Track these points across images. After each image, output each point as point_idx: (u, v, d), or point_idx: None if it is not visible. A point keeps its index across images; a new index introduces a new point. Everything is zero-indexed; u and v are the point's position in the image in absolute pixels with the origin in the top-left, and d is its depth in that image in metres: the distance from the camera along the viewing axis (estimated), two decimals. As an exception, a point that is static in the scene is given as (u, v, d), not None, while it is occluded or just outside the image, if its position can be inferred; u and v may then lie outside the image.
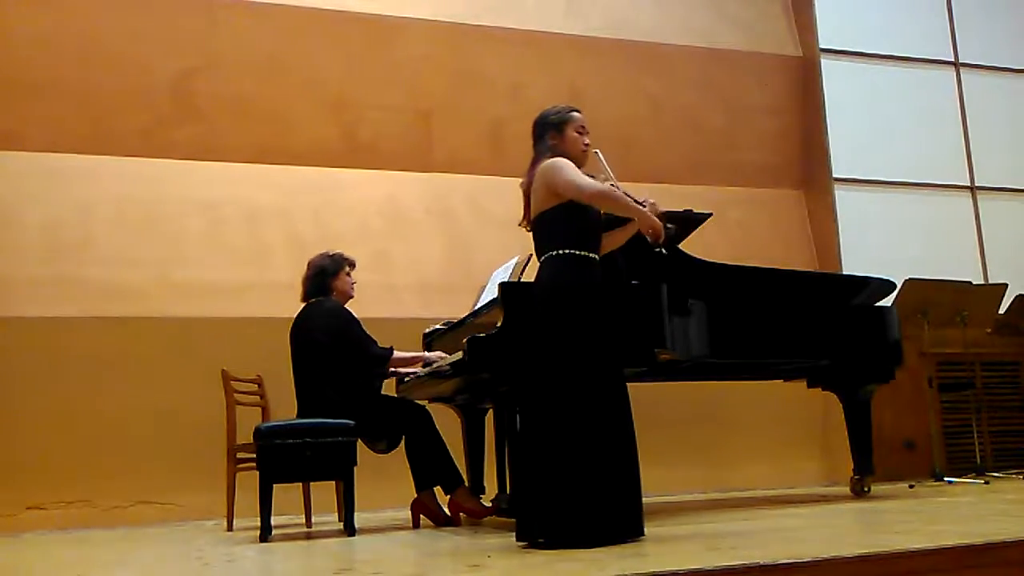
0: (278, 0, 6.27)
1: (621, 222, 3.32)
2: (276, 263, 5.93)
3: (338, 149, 6.38)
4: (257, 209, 6.11)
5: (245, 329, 5.56)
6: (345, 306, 4.41)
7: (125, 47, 6.00)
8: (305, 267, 4.52)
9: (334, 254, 4.50)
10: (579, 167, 3.17)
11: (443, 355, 4.30)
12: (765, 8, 7.61)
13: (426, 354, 4.44)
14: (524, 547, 2.88)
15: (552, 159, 3.12)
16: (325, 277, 4.43)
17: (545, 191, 3.10)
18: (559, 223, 3.07)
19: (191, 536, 4.41)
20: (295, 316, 4.41)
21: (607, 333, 3.00)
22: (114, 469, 5.35)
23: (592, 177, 3.16)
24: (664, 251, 3.09)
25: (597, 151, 3.26)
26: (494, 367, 3.58)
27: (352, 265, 4.53)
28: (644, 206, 3.12)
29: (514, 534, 2.98)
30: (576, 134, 3.21)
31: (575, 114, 3.25)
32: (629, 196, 3.08)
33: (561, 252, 3.05)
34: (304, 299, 4.45)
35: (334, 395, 4.16)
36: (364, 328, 4.33)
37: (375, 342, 4.33)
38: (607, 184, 3.09)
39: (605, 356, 2.98)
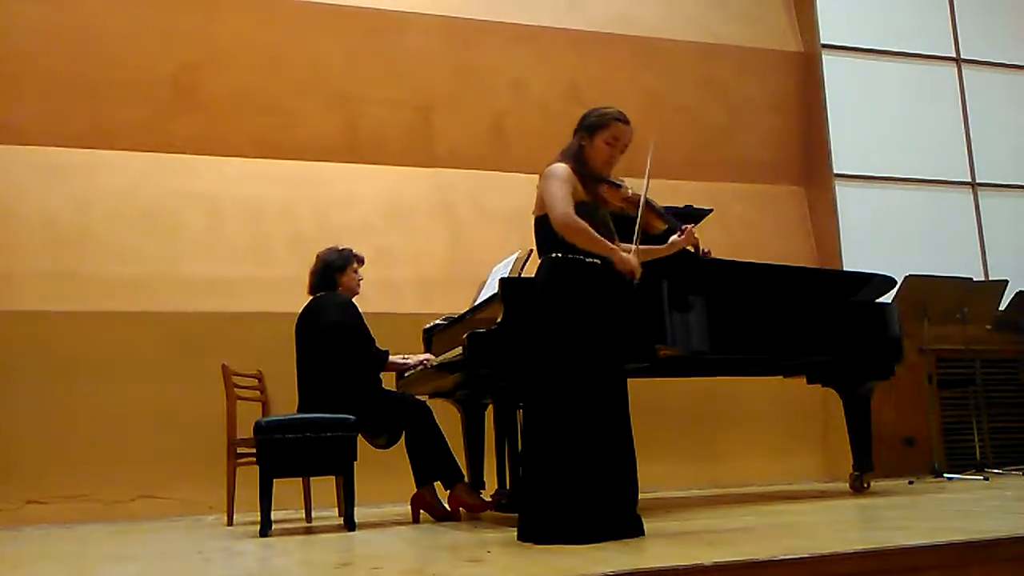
0: (279, -6, 6.28)
1: (657, 240, 3.28)
2: (276, 258, 5.93)
3: (339, 144, 6.38)
4: (257, 204, 6.11)
5: (246, 324, 5.56)
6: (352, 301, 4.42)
7: (125, 41, 5.99)
8: (306, 262, 4.53)
9: (343, 249, 4.50)
10: (599, 175, 3.11)
11: (425, 357, 4.42)
12: (766, 3, 7.60)
13: (411, 360, 4.46)
14: (525, 544, 2.87)
15: (550, 167, 3.08)
16: (332, 272, 4.42)
17: (540, 197, 3.09)
18: (554, 229, 3.02)
19: (191, 530, 4.41)
20: (301, 309, 4.41)
21: (606, 329, 2.99)
22: (114, 463, 5.36)
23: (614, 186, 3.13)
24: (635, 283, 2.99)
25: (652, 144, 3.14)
26: (494, 362, 3.58)
27: (360, 261, 4.53)
28: (683, 233, 3.16)
29: (514, 529, 2.97)
30: (605, 145, 3.11)
31: (616, 123, 3.12)
32: (648, 216, 3.06)
33: (559, 255, 3.03)
34: (311, 292, 4.46)
35: (337, 389, 4.16)
36: (367, 327, 4.34)
37: (375, 342, 4.33)
38: (581, 222, 2.97)
39: (604, 352, 2.97)
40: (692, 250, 3.30)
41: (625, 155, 3.18)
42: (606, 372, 2.96)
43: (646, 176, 3.15)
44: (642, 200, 3.11)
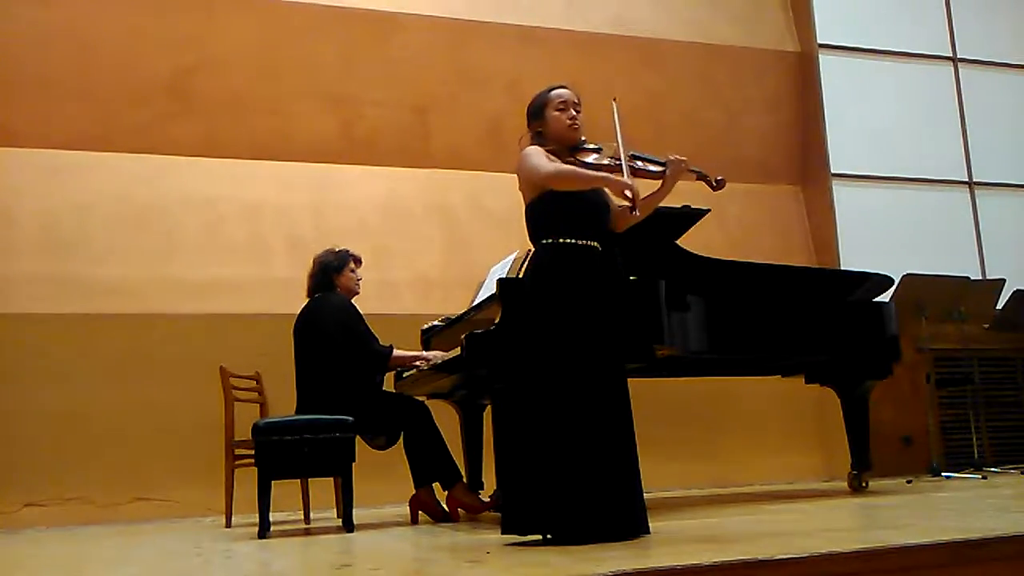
0: (276, -4, 6.27)
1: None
2: (274, 259, 5.93)
3: (336, 145, 6.38)
4: (255, 205, 6.11)
5: (243, 325, 5.56)
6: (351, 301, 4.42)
7: (123, 43, 5.99)
8: (303, 263, 4.53)
9: (339, 250, 4.50)
10: (569, 144, 3.11)
11: (442, 355, 4.26)
12: (763, 3, 7.61)
13: (425, 353, 4.43)
14: (517, 541, 2.87)
15: (522, 152, 3.09)
16: (329, 273, 4.43)
17: (523, 185, 3.09)
18: (544, 213, 3.02)
19: (189, 532, 4.41)
20: (299, 311, 4.41)
21: (603, 321, 2.95)
22: (112, 465, 5.36)
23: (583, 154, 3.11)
24: (637, 212, 2.89)
25: (614, 101, 3.13)
26: (492, 363, 3.58)
27: (358, 261, 4.53)
28: (667, 164, 3.10)
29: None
30: (556, 112, 3.11)
31: (553, 92, 3.15)
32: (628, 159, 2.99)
33: (549, 240, 3.00)
34: (309, 295, 4.46)
35: (335, 390, 4.16)
36: (367, 325, 4.33)
37: (376, 339, 4.33)
38: (562, 165, 2.99)
39: (602, 344, 2.94)
40: (704, 182, 3.13)
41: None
42: (603, 366, 2.92)
43: (616, 131, 3.12)
44: (621, 154, 3.05)
